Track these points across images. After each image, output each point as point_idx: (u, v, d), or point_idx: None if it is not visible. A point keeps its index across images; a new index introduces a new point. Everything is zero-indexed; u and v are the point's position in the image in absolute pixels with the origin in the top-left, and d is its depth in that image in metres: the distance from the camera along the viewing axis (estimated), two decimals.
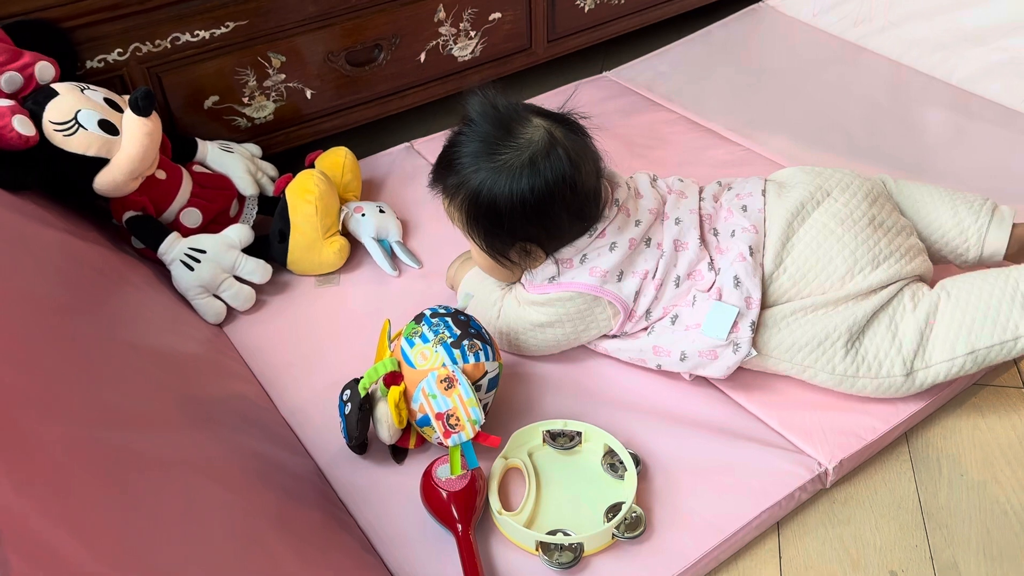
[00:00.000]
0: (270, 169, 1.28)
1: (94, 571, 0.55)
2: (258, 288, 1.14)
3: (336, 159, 1.26)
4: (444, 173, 0.98)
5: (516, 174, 0.92)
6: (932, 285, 0.99)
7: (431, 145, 1.42)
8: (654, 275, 0.97)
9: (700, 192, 1.05)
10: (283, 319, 1.13)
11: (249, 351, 1.09)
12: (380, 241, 1.21)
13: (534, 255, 0.98)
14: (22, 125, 0.98)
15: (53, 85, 1.04)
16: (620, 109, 1.50)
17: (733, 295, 0.95)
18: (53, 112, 1.02)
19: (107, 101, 1.07)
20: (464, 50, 1.47)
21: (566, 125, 0.97)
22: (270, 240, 1.17)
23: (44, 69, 1.04)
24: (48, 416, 0.65)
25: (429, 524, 0.88)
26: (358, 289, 1.18)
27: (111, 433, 0.70)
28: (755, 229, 0.98)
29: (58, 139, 1.01)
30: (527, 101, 1.14)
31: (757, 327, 0.95)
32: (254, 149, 1.30)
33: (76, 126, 1.02)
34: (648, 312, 0.98)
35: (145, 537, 0.62)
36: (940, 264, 1.08)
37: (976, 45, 1.51)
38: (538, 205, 0.93)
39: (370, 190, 1.34)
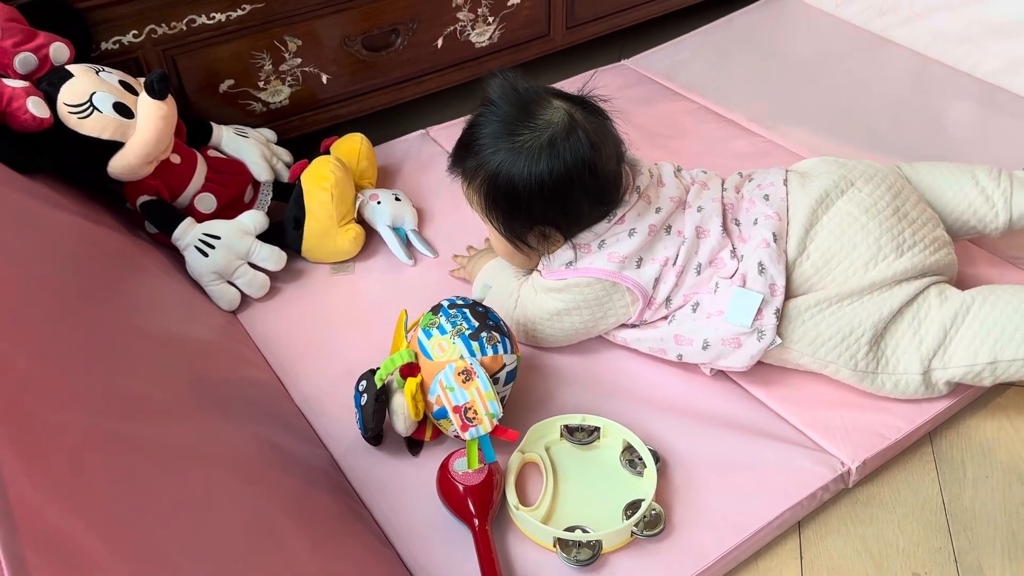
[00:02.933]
0: (285, 155, 1.27)
1: (110, 564, 0.54)
2: (272, 275, 1.13)
3: (352, 145, 1.24)
4: (463, 155, 0.97)
5: (535, 156, 0.91)
6: (959, 284, 0.97)
7: (447, 132, 1.40)
8: (674, 262, 0.96)
9: (722, 183, 1.04)
10: (297, 307, 1.12)
11: (263, 339, 1.07)
12: (396, 229, 1.19)
13: (552, 239, 0.97)
14: (36, 107, 0.96)
15: (68, 67, 1.03)
16: (639, 98, 1.48)
17: (757, 281, 0.93)
18: (68, 94, 1.00)
19: (122, 84, 1.05)
20: (482, 36, 1.45)
21: (586, 108, 0.95)
22: (285, 227, 1.15)
23: (59, 50, 1.03)
24: (63, 405, 0.64)
25: (445, 517, 0.87)
26: (373, 278, 1.16)
27: (125, 422, 0.69)
28: (778, 217, 0.96)
29: (72, 121, 1.00)
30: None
31: (780, 318, 0.93)
32: (269, 134, 1.28)
33: (91, 108, 1.00)
34: (668, 300, 0.97)
35: (160, 529, 0.61)
36: (969, 238, 1.07)
37: (1002, 38, 1.48)
38: (557, 188, 0.92)
39: (385, 177, 1.32)
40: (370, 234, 1.20)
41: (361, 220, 1.19)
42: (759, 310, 0.92)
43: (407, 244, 1.19)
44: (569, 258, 0.97)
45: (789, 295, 0.95)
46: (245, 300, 1.11)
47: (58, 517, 0.53)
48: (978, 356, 0.91)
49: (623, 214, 0.96)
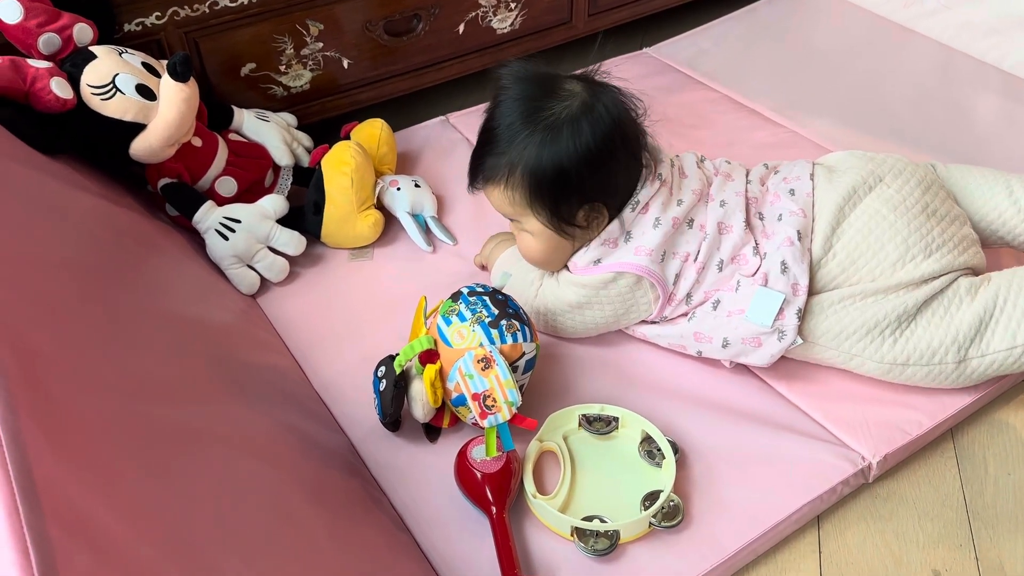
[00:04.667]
0: (305, 139, 1.27)
1: (132, 545, 0.54)
2: (291, 260, 1.13)
3: (372, 131, 1.24)
4: (488, 159, 0.94)
5: (574, 126, 0.90)
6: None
7: (467, 119, 1.40)
8: (696, 258, 0.95)
9: (746, 175, 1.02)
10: (316, 292, 1.12)
11: (282, 323, 1.08)
12: (415, 216, 1.19)
13: (600, 215, 0.95)
14: (60, 88, 0.96)
15: (91, 48, 1.03)
16: (660, 87, 1.46)
17: (780, 281, 0.92)
18: (91, 75, 1.00)
19: (145, 66, 1.05)
20: (504, 22, 1.44)
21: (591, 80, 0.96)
22: (304, 212, 1.15)
23: (82, 31, 1.03)
24: (86, 386, 0.64)
25: (462, 505, 0.87)
26: (392, 264, 1.16)
27: (147, 403, 0.69)
28: (803, 213, 0.95)
29: (95, 103, 1.00)
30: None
31: (804, 314, 0.92)
32: (290, 119, 1.28)
33: (114, 90, 1.00)
34: (689, 296, 0.96)
35: (182, 510, 0.61)
36: (996, 247, 1.05)
37: None
38: (602, 150, 0.91)
39: (405, 163, 1.32)
40: (389, 220, 1.20)
41: (380, 206, 1.19)
42: (781, 310, 0.91)
43: (426, 231, 1.19)
44: (596, 256, 0.96)
45: (813, 293, 0.93)
46: (264, 284, 1.11)
47: (82, 496, 0.53)
48: (1017, 338, 0.90)
49: (647, 202, 0.95)
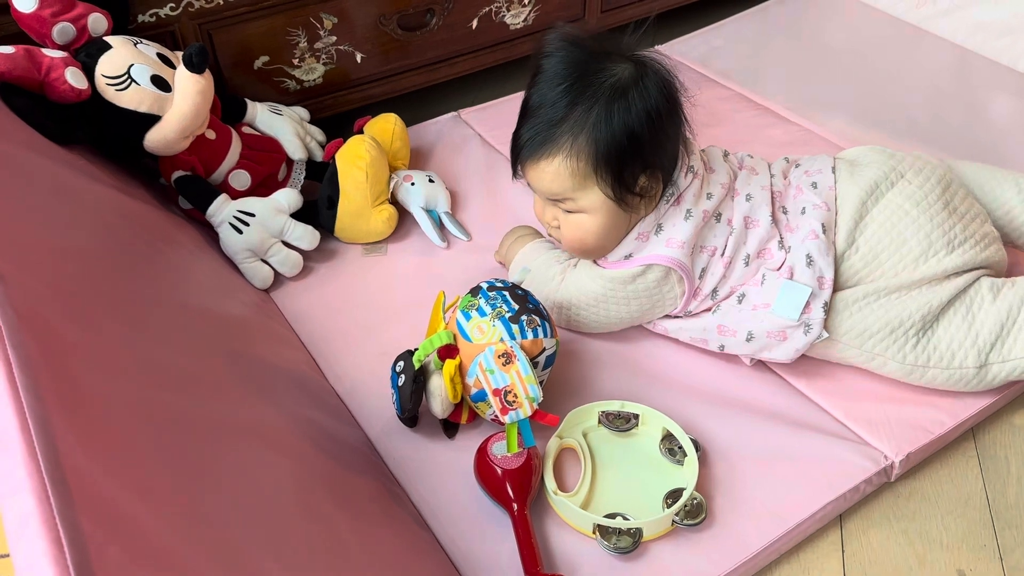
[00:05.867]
0: (318, 134, 1.26)
1: (161, 536, 0.53)
2: (305, 255, 1.11)
3: (386, 126, 1.23)
4: (545, 128, 0.89)
5: (640, 86, 0.87)
6: (1009, 277, 0.95)
7: (479, 115, 1.39)
8: (723, 252, 0.94)
9: (769, 168, 1.02)
10: (330, 287, 1.11)
11: (296, 317, 1.06)
12: (429, 211, 1.18)
13: (655, 186, 0.92)
14: (75, 78, 0.95)
15: (106, 38, 1.02)
16: None
17: (805, 274, 0.91)
18: (106, 66, 0.99)
19: (160, 57, 1.04)
20: (517, 17, 1.43)
21: None
22: (318, 206, 1.14)
23: (97, 21, 1.02)
24: (109, 376, 0.63)
25: (482, 501, 0.86)
26: (406, 259, 1.15)
27: (169, 395, 0.68)
28: (826, 207, 0.94)
29: (110, 93, 0.99)
30: None
31: (828, 311, 0.92)
32: (302, 112, 1.27)
33: (128, 81, 0.99)
34: (714, 291, 0.95)
35: (208, 502, 0.60)
36: (1007, 247, 1.04)
37: None
38: (667, 113, 0.89)
39: (417, 159, 1.31)
40: (403, 215, 1.19)
41: (395, 201, 1.18)
42: (807, 303, 0.91)
43: (440, 226, 1.18)
44: (628, 250, 0.95)
45: (836, 288, 0.93)
46: (278, 278, 1.10)
47: (111, 487, 0.52)
48: None
49: (680, 194, 0.94)
